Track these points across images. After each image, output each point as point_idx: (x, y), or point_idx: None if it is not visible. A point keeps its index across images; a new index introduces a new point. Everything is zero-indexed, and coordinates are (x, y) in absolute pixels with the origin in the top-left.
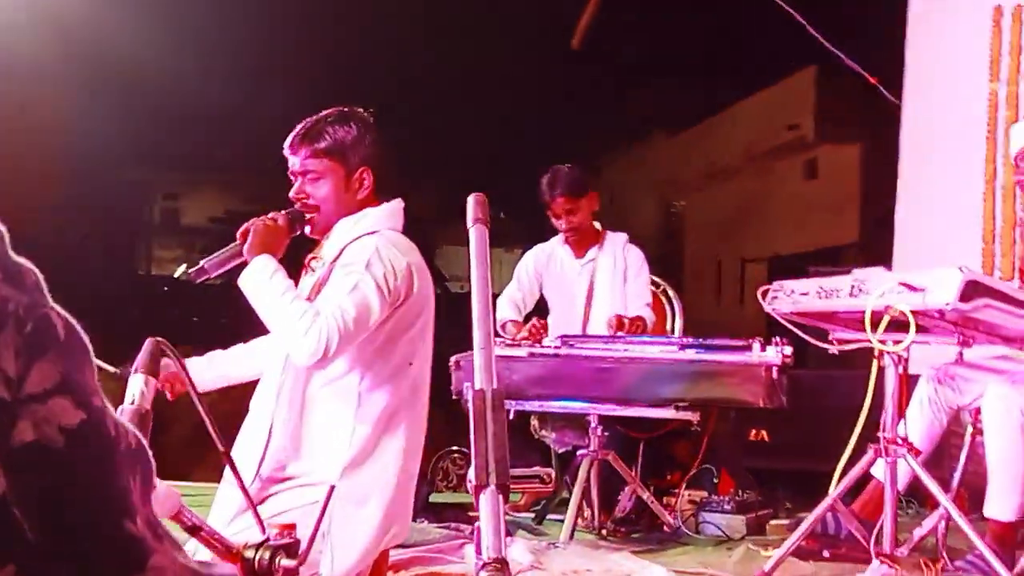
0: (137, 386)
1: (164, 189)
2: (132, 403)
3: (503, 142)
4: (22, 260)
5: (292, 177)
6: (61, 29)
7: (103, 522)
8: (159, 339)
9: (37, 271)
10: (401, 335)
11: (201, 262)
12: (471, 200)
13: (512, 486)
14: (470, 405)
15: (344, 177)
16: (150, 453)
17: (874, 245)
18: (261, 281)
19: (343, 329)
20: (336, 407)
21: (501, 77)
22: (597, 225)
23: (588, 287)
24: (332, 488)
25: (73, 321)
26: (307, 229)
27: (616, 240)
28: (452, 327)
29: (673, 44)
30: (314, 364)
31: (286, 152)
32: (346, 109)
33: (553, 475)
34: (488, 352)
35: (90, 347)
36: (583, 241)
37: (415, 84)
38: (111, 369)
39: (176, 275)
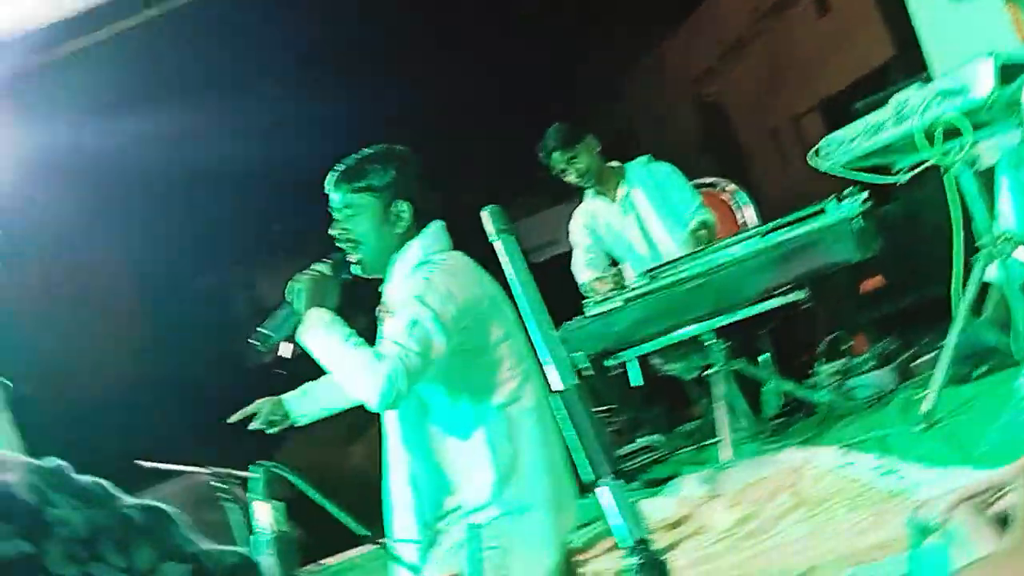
0: (266, 515)
1: (240, 282)
2: (272, 531)
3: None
4: (87, 479)
5: (334, 215)
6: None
7: None
8: (269, 464)
9: (102, 481)
10: (488, 348)
11: (260, 329)
12: (485, 216)
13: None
14: (561, 409)
15: (382, 211)
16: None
17: (915, 51)
18: (318, 335)
19: (410, 367)
20: (464, 436)
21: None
22: (614, 163)
23: (640, 223)
24: (474, 528)
25: (146, 502)
26: (356, 269)
27: (638, 167)
28: (546, 296)
29: None
30: (389, 405)
31: (328, 190)
32: (383, 146)
33: (660, 438)
34: (558, 351)
35: (168, 510)
36: (608, 183)
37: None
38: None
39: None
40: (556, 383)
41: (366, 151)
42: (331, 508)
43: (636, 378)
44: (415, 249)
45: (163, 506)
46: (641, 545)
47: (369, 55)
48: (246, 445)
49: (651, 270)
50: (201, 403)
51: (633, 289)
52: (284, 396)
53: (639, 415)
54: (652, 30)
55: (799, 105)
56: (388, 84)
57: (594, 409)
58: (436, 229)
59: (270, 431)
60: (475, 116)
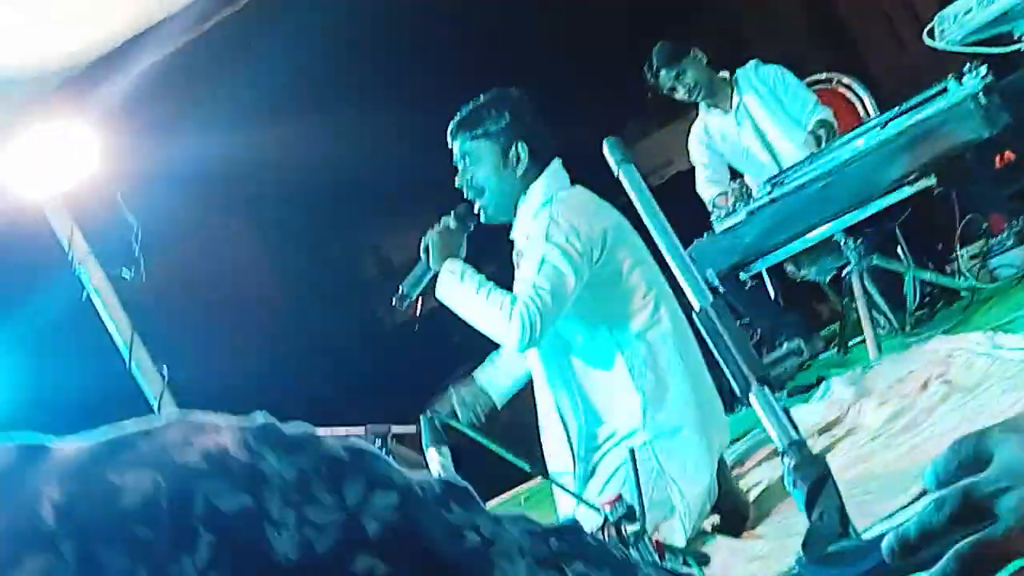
0: (435, 459)
1: (368, 244)
2: (444, 475)
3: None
4: (293, 428)
5: (456, 165)
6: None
7: None
8: (435, 413)
9: (307, 427)
10: (620, 277)
11: (399, 290)
12: (606, 146)
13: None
14: (700, 327)
15: (501, 155)
16: None
17: None
18: (453, 287)
19: (543, 307)
20: (606, 366)
21: None
22: (724, 73)
23: (756, 130)
24: (631, 451)
25: (350, 442)
26: (482, 217)
27: (747, 72)
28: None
29: None
30: (528, 346)
31: (449, 142)
32: (495, 91)
33: (802, 344)
34: (691, 272)
35: (370, 448)
36: (720, 95)
37: None
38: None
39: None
40: (695, 302)
41: (480, 98)
42: (495, 448)
43: (772, 288)
44: (537, 190)
45: (365, 444)
46: (795, 446)
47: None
48: (392, 402)
49: (773, 178)
50: (344, 366)
51: (757, 200)
52: (476, 376)
53: (779, 324)
54: None
55: None
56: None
57: (734, 323)
58: (555, 167)
59: (475, 421)
60: (574, 44)
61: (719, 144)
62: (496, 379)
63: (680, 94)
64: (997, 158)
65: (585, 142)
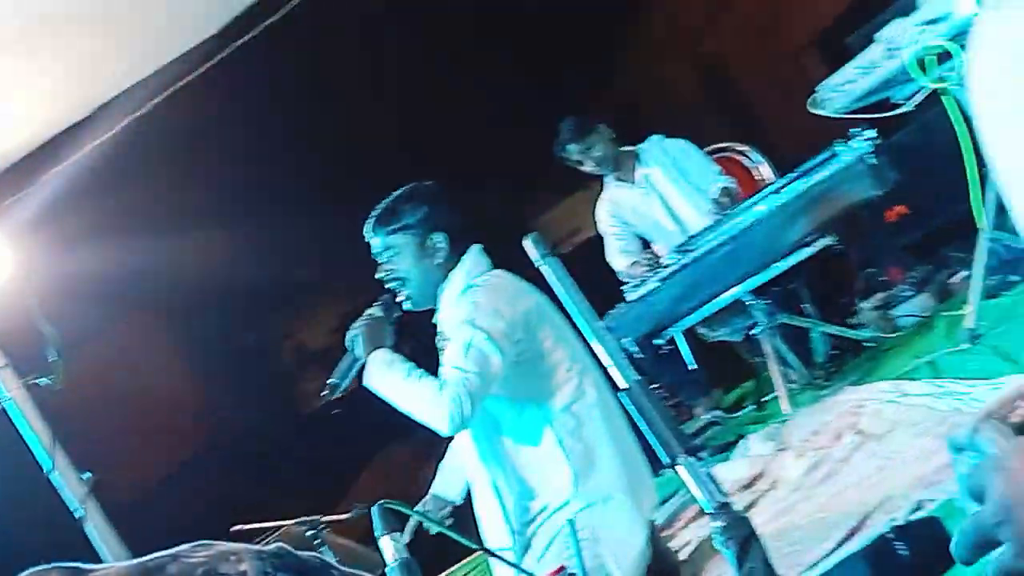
0: (389, 547)
1: (282, 335)
2: (397, 561)
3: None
4: (306, 555)
5: (377, 258)
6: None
7: None
8: (383, 503)
9: (318, 555)
10: (544, 355)
11: (329, 381)
12: (527, 243)
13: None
14: (627, 405)
15: (419, 247)
16: None
17: None
18: (382, 376)
19: (470, 389)
20: (536, 441)
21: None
22: (628, 148)
23: (662, 201)
24: (571, 522)
25: (355, 571)
26: (407, 305)
27: (651, 146)
28: (582, 285)
29: None
30: (458, 429)
31: (367, 238)
32: (411, 185)
33: (717, 409)
34: (616, 354)
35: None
36: (625, 167)
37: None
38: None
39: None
40: (621, 382)
41: (396, 192)
42: (441, 528)
43: (686, 351)
44: (458, 277)
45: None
46: (723, 508)
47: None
48: (319, 490)
49: (680, 246)
50: (266, 456)
51: (667, 267)
52: (433, 490)
53: (689, 388)
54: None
55: (794, 43)
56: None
57: (658, 399)
58: (475, 253)
59: (442, 525)
60: (485, 126)
61: (628, 215)
62: (449, 483)
63: (588, 167)
64: (889, 213)
65: (496, 215)
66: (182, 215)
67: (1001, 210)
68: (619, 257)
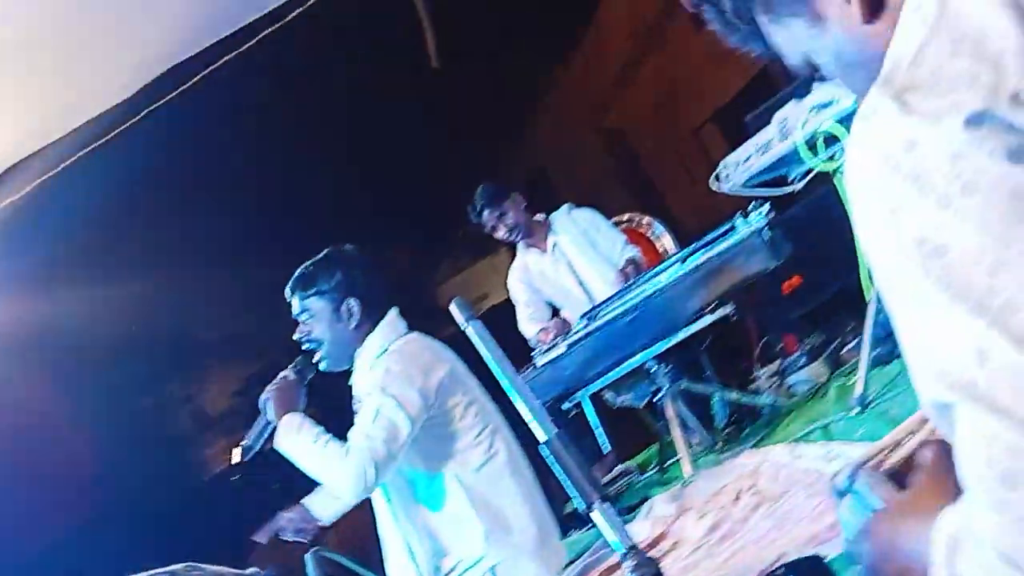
0: None
1: (180, 397)
2: None
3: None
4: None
5: (294, 320)
6: None
7: None
8: (316, 550)
9: None
10: (455, 419)
11: (242, 444)
12: (453, 307)
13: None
14: (547, 456)
15: (334, 311)
16: None
17: None
18: (291, 439)
19: (377, 456)
20: (449, 502)
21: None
22: (540, 216)
23: (569, 268)
24: (492, 569)
25: None
26: (323, 366)
27: (562, 215)
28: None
29: None
30: (363, 495)
31: (287, 296)
32: (328, 250)
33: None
34: (537, 411)
35: None
36: (537, 236)
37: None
38: None
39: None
40: (541, 435)
41: (315, 258)
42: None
43: (591, 415)
44: (374, 341)
45: None
46: (633, 550)
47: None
48: (218, 553)
49: (587, 313)
50: (166, 520)
51: (575, 333)
52: (304, 501)
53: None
54: (545, 69)
55: (695, 119)
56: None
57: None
58: (391, 318)
59: (302, 538)
60: (398, 192)
61: (537, 282)
62: (324, 503)
63: (500, 233)
64: (785, 284)
65: (408, 279)
66: (86, 273)
67: None
68: (528, 324)
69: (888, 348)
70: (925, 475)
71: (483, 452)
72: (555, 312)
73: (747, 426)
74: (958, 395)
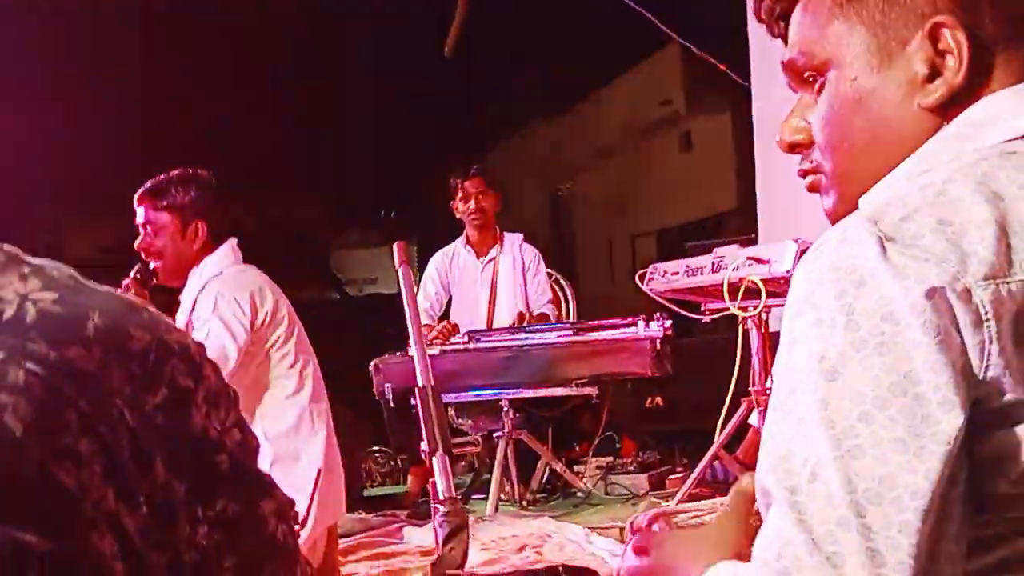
0: None
1: (44, 225)
2: None
3: (386, 147)
4: None
5: (139, 228)
6: None
7: None
8: None
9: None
10: (275, 343)
11: None
12: (395, 248)
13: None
14: (417, 398)
15: (180, 229)
16: None
17: (752, 212)
18: None
19: None
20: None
21: (377, 84)
22: (497, 228)
23: (491, 286)
24: (319, 471)
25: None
26: (157, 278)
27: (514, 240)
28: (354, 330)
29: (534, 36)
30: None
31: (135, 204)
32: (188, 170)
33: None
34: (424, 358)
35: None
36: (484, 240)
37: (297, 96)
38: None
39: None
40: (420, 380)
41: (171, 173)
42: None
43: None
44: (211, 263)
45: None
46: (451, 499)
47: None
48: None
49: (475, 332)
50: None
51: (456, 343)
52: None
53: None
54: (528, 112)
55: (640, 226)
56: None
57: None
58: (230, 245)
59: None
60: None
61: (453, 281)
62: None
63: (468, 204)
64: (650, 399)
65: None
66: None
67: (736, 438)
68: (421, 312)
69: (709, 493)
70: (725, 517)
71: (294, 384)
72: (445, 314)
73: (557, 498)
74: (781, 493)
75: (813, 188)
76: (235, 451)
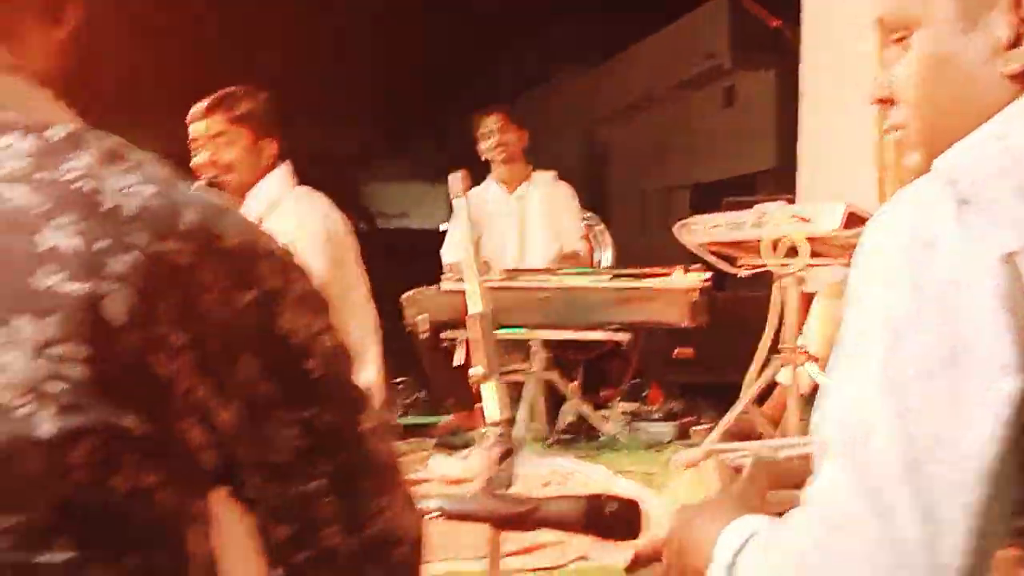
0: None
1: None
2: None
3: (419, 83)
4: None
5: (195, 143)
6: None
7: None
8: None
9: None
10: (347, 264)
11: None
12: (453, 177)
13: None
14: (469, 326)
15: (253, 143)
16: None
17: (790, 171)
18: None
19: None
20: None
21: (415, 19)
22: (528, 165)
23: (520, 222)
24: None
25: None
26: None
27: (545, 177)
28: (383, 261)
29: None
30: None
31: (194, 118)
32: (248, 86)
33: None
34: (480, 286)
35: None
36: (513, 175)
37: (331, 30)
38: None
39: None
40: (478, 308)
41: (239, 87)
42: None
43: (459, 357)
44: (272, 184)
45: None
46: (504, 423)
47: None
48: None
49: (512, 270)
50: None
51: (490, 280)
52: None
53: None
54: (567, 59)
55: (674, 179)
56: None
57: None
58: (289, 168)
59: None
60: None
61: (484, 217)
62: None
63: (492, 140)
64: (679, 349)
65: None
66: None
67: (763, 395)
68: (452, 249)
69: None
70: (744, 485)
71: (359, 308)
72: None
73: (580, 442)
74: (839, 446)
75: (898, 145)
76: (326, 359)
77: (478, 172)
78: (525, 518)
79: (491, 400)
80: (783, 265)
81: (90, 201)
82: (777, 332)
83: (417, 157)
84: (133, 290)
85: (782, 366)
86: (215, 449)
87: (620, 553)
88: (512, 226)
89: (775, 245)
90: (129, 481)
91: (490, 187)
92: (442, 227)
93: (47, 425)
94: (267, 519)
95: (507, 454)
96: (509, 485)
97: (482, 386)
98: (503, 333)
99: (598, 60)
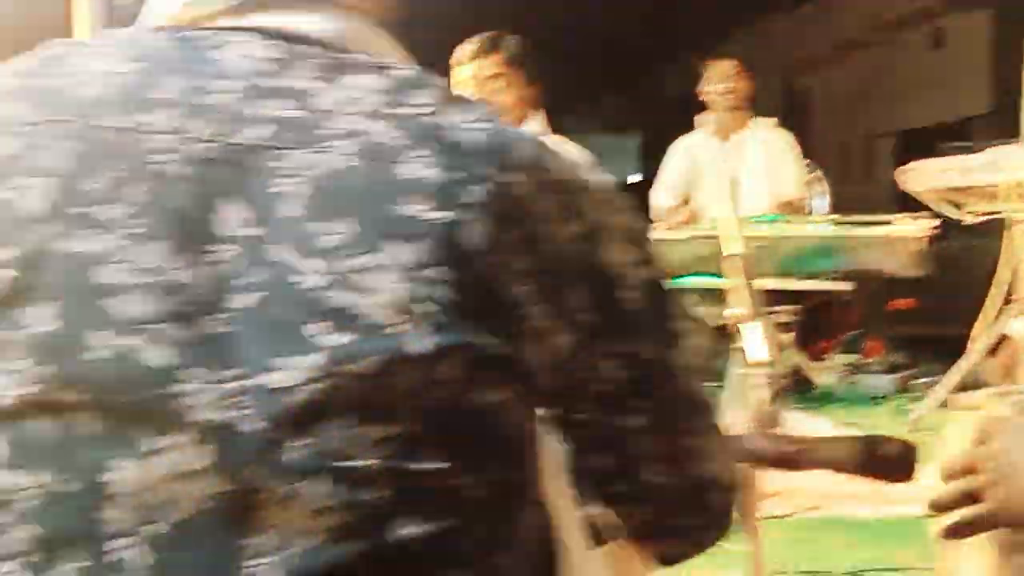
0: None
1: None
2: None
3: (620, 28)
4: None
5: (462, 85)
6: None
7: None
8: None
9: None
10: None
11: None
12: (700, 118)
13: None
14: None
15: (525, 86)
16: None
17: (1003, 118)
18: None
19: None
20: None
21: None
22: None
23: (736, 170)
24: None
25: None
26: None
27: (763, 124)
28: None
29: None
30: None
31: (461, 59)
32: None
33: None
34: (734, 228)
35: None
36: (733, 123)
37: None
38: None
39: None
40: (734, 248)
41: (498, 33)
42: None
43: None
44: (535, 127)
45: None
46: (771, 364)
47: None
48: None
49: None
50: None
51: (704, 228)
52: None
53: None
54: (766, 4)
55: (879, 125)
56: None
57: None
58: (543, 117)
59: None
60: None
61: (698, 165)
62: None
63: (719, 88)
64: (900, 300)
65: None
66: None
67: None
68: (664, 193)
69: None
70: None
71: None
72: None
73: (794, 393)
74: None
75: None
76: (645, 289)
77: (669, 122)
78: (797, 458)
79: (755, 341)
80: (1020, 211)
81: (440, 135)
82: (1010, 283)
83: (601, 109)
84: (486, 219)
85: (1015, 317)
86: (551, 372)
87: (851, 505)
88: (726, 175)
89: (1012, 192)
90: (487, 396)
91: (704, 135)
92: (630, 179)
93: (421, 342)
94: (587, 449)
95: (776, 395)
96: (778, 426)
97: (742, 327)
98: (716, 281)
99: (798, 4)
